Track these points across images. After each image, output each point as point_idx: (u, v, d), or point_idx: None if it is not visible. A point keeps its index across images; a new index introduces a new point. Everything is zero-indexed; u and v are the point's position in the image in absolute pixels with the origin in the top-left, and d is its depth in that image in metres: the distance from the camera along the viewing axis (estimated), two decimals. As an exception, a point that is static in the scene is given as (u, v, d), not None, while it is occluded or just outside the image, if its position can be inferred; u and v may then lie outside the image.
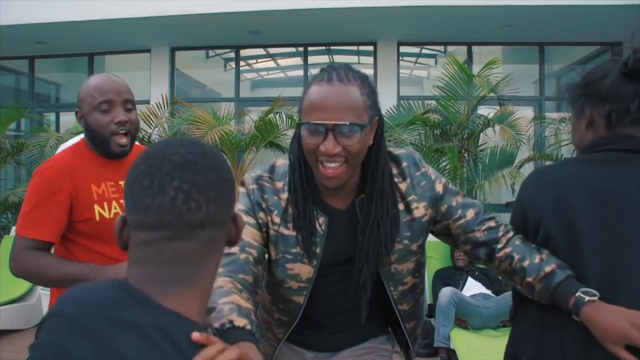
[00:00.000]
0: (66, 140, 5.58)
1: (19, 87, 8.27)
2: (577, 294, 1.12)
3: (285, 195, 1.30)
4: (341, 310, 1.41)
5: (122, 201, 1.67)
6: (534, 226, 1.26)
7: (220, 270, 1.09)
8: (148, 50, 7.40)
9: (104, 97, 1.60)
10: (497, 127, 5.43)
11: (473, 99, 5.47)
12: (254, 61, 7.93)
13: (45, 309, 4.78)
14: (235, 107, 6.95)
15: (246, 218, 1.27)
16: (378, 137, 1.25)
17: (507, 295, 4.19)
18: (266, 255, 1.33)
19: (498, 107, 5.67)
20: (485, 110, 5.99)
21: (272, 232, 1.30)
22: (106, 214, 1.66)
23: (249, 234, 1.25)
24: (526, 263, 1.22)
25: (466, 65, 5.90)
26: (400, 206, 1.31)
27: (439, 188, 1.34)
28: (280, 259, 1.31)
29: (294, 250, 1.29)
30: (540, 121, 5.86)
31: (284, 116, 5.65)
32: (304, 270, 1.30)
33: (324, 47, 7.38)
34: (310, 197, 1.28)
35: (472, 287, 4.46)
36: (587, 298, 1.10)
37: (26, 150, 6.04)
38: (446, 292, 4.06)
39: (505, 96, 5.54)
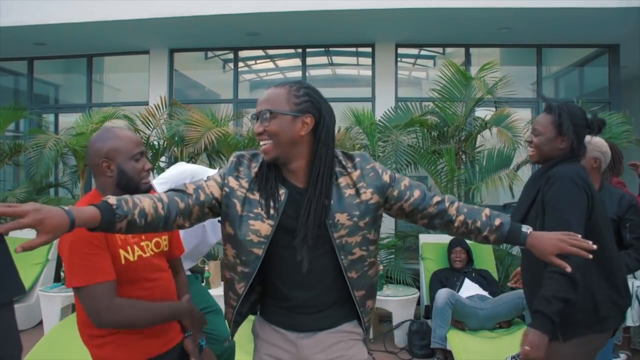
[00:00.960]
0: (63, 141, 5.64)
1: (17, 88, 8.28)
2: (522, 230, 1.64)
3: (255, 170, 1.65)
4: (302, 282, 1.64)
5: (142, 243, 1.89)
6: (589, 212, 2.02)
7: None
8: (147, 52, 7.41)
9: (139, 149, 1.88)
10: (494, 129, 5.45)
11: (470, 101, 5.50)
12: (253, 62, 7.95)
13: (44, 309, 4.80)
14: (233, 108, 6.98)
15: (216, 176, 1.65)
16: (319, 133, 1.59)
17: (504, 297, 4.22)
18: (212, 204, 1.62)
19: (495, 109, 5.69)
20: (482, 113, 6.02)
21: (239, 194, 1.62)
22: (130, 257, 1.83)
23: (210, 185, 1.62)
24: (478, 223, 1.66)
25: (464, 67, 5.92)
26: (352, 191, 1.63)
27: (385, 178, 1.66)
28: (244, 216, 1.60)
29: (256, 211, 1.60)
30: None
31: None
32: (263, 227, 1.59)
33: (322, 49, 7.40)
34: (274, 173, 1.63)
35: (469, 289, 4.49)
36: (528, 231, 1.64)
37: (24, 151, 6.06)
38: (443, 293, 4.08)
39: (503, 98, 5.57)
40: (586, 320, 2.04)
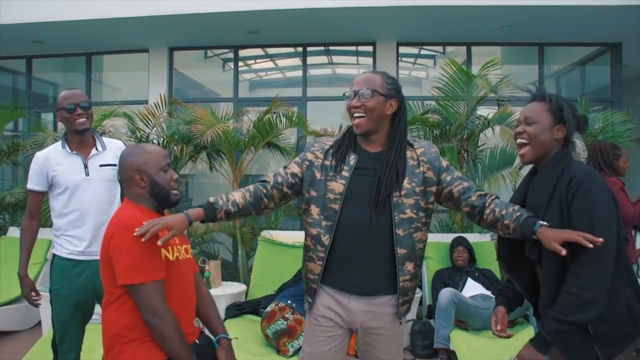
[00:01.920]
0: (55, 140, 5.55)
1: (16, 87, 8.23)
2: (537, 222, 1.82)
3: (330, 143, 2.10)
4: (362, 238, 1.98)
5: (176, 247, 2.05)
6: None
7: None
8: (146, 50, 7.36)
9: (167, 161, 2.10)
10: (496, 128, 5.41)
11: (472, 99, 5.45)
12: (253, 62, 7.90)
13: (42, 310, 4.74)
14: (234, 107, 6.93)
15: (294, 161, 2.15)
16: (400, 114, 2.05)
17: (507, 296, 4.16)
18: (291, 182, 2.10)
19: (497, 108, 5.65)
20: (483, 111, 5.97)
21: (317, 163, 2.06)
22: (170, 256, 2.00)
23: (289, 167, 2.13)
24: (504, 212, 1.92)
25: (465, 66, 5.87)
26: (414, 162, 2.02)
27: (443, 163, 2.06)
28: (322, 180, 2.03)
29: (331, 174, 2.02)
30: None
31: (282, 116, 5.61)
32: (337, 187, 2.00)
33: (322, 48, 7.35)
34: (348, 141, 2.06)
35: (472, 288, 4.45)
36: (541, 223, 1.81)
37: (22, 150, 6.01)
38: (446, 292, 4.04)
39: (505, 97, 5.52)
40: (627, 334, 1.89)
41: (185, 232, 2.13)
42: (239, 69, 7.55)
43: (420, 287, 4.99)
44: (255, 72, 8.07)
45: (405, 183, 1.97)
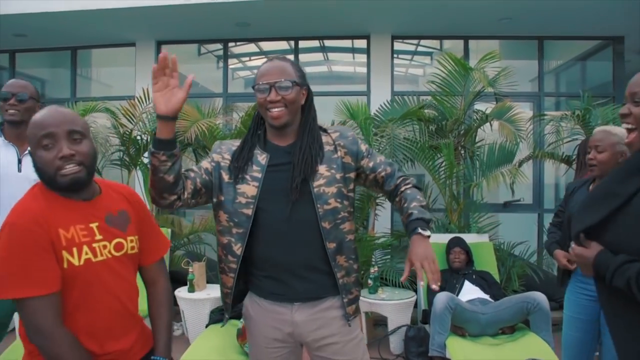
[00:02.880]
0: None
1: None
2: (417, 227, 1.77)
3: (237, 144, 1.94)
4: (286, 238, 1.82)
5: (95, 245, 1.61)
6: None
7: None
8: (133, 44, 7.13)
9: (45, 131, 1.55)
10: (494, 123, 5.19)
11: (470, 93, 5.23)
12: (247, 59, 7.67)
13: (16, 315, 4.51)
14: (223, 102, 6.70)
15: (206, 159, 1.94)
16: (310, 100, 1.93)
17: (507, 301, 3.95)
18: (205, 178, 1.87)
19: (495, 103, 5.42)
20: (481, 106, 5.75)
21: (224, 164, 1.89)
22: (75, 261, 1.57)
23: (202, 165, 1.91)
24: (405, 205, 1.86)
25: (463, 59, 5.64)
26: (331, 147, 1.90)
27: (362, 147, 1.94)
28: (230, 183, 1.86)
29: (240, 176, 1.85)
30: (540, 118, 5.61)
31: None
32: (249, 189, 1.83)
33: (317, 44, 7.12)
34: (252, 142, 1.91)
35: (469, 292, 4.22)
36: (420, 231, 1.76)
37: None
38: (442, 297, 3.79)
39: (503, 91, 5.30)
40: None
41: (130, 219, 1.76)
42: (234, 66, 7.34)
43: (415, 290, 4.77)
44: (250, 70, 7.85)
45: (324, 170, 1.84)
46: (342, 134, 1.93)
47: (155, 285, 1.87)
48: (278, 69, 1.82)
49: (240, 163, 1.85)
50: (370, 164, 1.92)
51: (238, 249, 1.84)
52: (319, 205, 1.80)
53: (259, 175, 1.83)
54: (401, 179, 1.93)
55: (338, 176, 1.85)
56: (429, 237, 1.78)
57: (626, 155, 2.63)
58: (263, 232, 1.83)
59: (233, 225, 1.83)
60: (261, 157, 1.86)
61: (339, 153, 1.88)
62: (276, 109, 1.80)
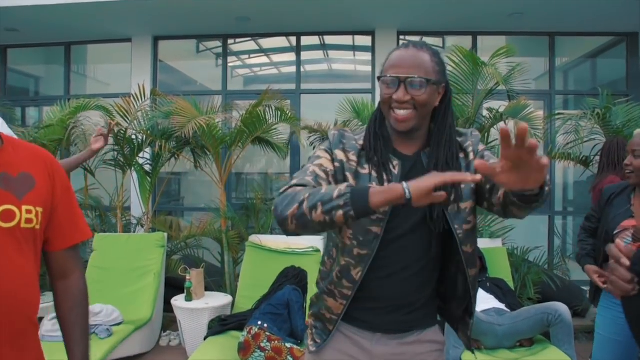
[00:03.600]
0: (30, 134, 5.10)
1: (-8, 79, 7.74)
2: None
3: (361, 142, 1.55)
4: (409, 264, 1.51)
5: None
6: None
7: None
8: (129, 40, 6.88)
9: None
10: (508, 122, 4.94)
11: (482, 91, 4.99)
12: (247, 57, 7.43)
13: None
14: (223, 100, 6.46)
15: (323, 155, 1.54)
16: (447, 101, 1.54)
17: (525, 312, 3.71)
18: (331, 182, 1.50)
19: (505, 102, 5.18)
20: (491, 105, 5.52)
21: (350, 166, 1.51)
22: None
23: (322, 164, 1.50)
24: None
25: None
26: (462, 153, 1.55)
27: (480, 147, 1.58)
28: None
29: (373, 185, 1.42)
30: (556, 117, 5.37)
31: (273, 109, 5.12)
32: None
33: (317, 40, 6.89)
34: (382, 143, 1.53)
35: (484, 301, 3.97)
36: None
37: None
38: (457, 308, 3.55)
39: (514, 89, 5.06)
40: None
41: (35, 185, 1.36)
42: (233, 64, 7.14)
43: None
44: (249, 68, 7.62)
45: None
46: (469, 137, 1.59)
47: (67, 278, 1.46)
48: (414, 61, 1.46)
49: (373, 170, 1.50)
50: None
51: (357, 273, 1.51)
52: (457, 226, 1.48)
53: None
54: None
55: (470, 187, 1.52)
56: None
57: None
58: (385, 259, 1.51)
59: (357, 245, 1.50)
60: (394, 164, 1.52)
61: (470, 157, 1.54)
62: (403, 111, 1.46)
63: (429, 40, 6.97)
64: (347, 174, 1.50)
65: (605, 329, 2.59)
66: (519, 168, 1.13)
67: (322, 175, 1.48)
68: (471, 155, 1.54)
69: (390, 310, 1.55)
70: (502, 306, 3.91)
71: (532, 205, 1.29)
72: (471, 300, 1.57)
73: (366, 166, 1.51)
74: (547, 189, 1.26)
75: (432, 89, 1.46)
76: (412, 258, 1.51)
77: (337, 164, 1.52)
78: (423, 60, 1.46)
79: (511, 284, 4.34)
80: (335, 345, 1.61)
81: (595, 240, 2.74)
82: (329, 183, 1.48)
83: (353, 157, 1.52)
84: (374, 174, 1.49)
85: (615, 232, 2.49)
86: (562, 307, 3.50)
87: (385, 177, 1.48)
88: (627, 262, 1.53)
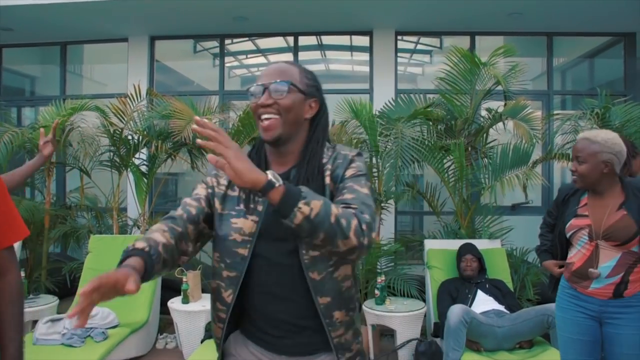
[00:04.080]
0: (24, 135, 5.05)
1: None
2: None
3: None
4: (278, 291, 1.48)
5: None
6: None
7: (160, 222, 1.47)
8: (125, 39, 6.84)
9: None
10: (507, 123, 4.92)
11: (480, 91, 4.96)
12: (245, 57, 7.40)
13: None
14: (219, 100, 6.42)
15: (200, 185, 1.60)
16: (319, 118, 1.56)
17: (524, 313, 3.69)
18: (206, 211, 1.53)
19: (503, 102, 5.16)
20: (489, 105, 5.50)
21: (218, 191, 1.54)
22: None
23: (198, 193, 1.57)
24: None
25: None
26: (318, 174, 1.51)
27: (347, 172, 1.48)
28: (225, 215, 1.51)
29: (237, 208, 1.50)
30: (555, 117, 5.35)
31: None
32: (247, 225, 1.47)
33: (315, 40, 6.86)
34: (257, 160, 1.54)
35: (483, 302, 3.95)
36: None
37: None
38: (456, 310, 3.53)
39: (513, 89, 5.04)
40: None
41: None
42: (230, 64, 7.11)
43: (424, 301, 4.50)
44: (246, 68, 7.59)
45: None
46: (339, 154, 1.54)
47: (4, 277, 1.49)
48: (279, 70, 1.51)
49: (241, 193, 1.50)
50: (339, 195, 1.45)
51: (229, 296, 1.50)
52: (304, 252, 1.43)
53: (261, 209, 1.47)
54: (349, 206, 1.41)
55: None
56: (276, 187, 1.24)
57: (610, 164, 2.39)
58: (258, 279, 1.49)
59: (225, 267, 1.50)
60: None
61: (326, 180, 1.49)
62: (267, 115, 1.46)
63: (426, 40, 6.97)
64: (215, 198, 1.54)
65: (567, 329, 2.60)
66: None
67: (193, 203, 1.53)
68: (327, 179, 1.48)
69: (277, 333, 1.52)
70: (501, 308, 3.89)
71: (305, 239, 1.30)
72: (328, 335, 1.49)
73: (236, 188, 1.51)
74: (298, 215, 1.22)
75: (297, 96, 1.48)
76: (279, 280, 1.48)
77: (209, 190, 1.56)
78: (289, 70, 1.51)
79: (510, 285, 4.31)
80: (239, 356, 1.60)
81: (554, 235, 2.81)
82: (202, 206, 1.52)
83: (223, 182, 1.54)
84: (242, 195, 1.49)
85: (569, 233, 2.57)
86: (561, 309, 3.47)
87: (252, 196, 1.48)
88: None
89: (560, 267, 2.70)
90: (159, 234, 1.39)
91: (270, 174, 1.22)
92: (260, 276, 1.49)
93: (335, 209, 1.27)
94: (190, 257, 1.53)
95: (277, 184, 1.21)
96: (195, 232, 1.50)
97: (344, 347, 1.51)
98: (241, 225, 1.47)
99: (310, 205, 1.22)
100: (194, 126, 1.21)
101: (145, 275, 1.28)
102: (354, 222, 1.29)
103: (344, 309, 1.49)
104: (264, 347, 1.55)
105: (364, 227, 1.30)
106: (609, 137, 2.41)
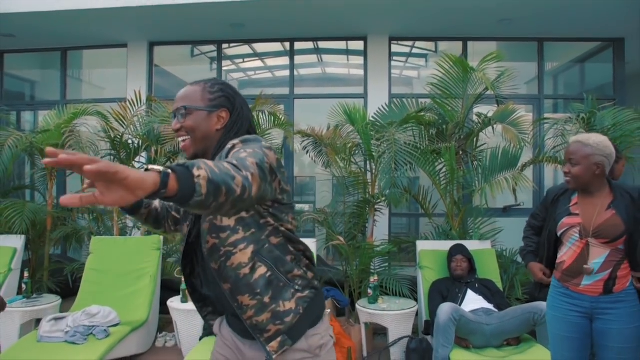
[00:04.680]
0: (28, 139, 5.17)
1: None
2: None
3: None
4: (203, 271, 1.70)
5: None
6: None
7: None
8: (125, 45, 6.97)
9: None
10: (497, 127, 5.06)
11: (471, 96, 5.10)
12: (241, 61, 7.52)
13: (1, 326, 4.33)
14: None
15: None
16: (232, 124, 1.66)
17: (512, 311, 3.81)
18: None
19: (495, 106, 5.29)
20: (480, 110, 5.63)
21: None
22: None
23: None
24: None
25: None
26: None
27: (234, 143, 1.52)
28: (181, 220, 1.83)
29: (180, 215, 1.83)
30: (542, 122, 5.49)
31: (267, 114, 5.21)
32: (184, 229, 1.72)
33: (311, 45, 6.98)
34: None
35: (472, 301, 4.08)
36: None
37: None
38: (445, 308, 3.65)
39: (504, 94, 5.18)
40: None
41: None
42: (227, 68, 7.22)
43: (416, 299, 4.63)
44: (243, 72, 7.70)
45: None
46: (227, 146, 1.56)
47: None
48: (181, 95, 1.68)
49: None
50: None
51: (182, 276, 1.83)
52: (203, 245, 1.57)
53: (191, 215, 1.70)
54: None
55: None
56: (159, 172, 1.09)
57: (602, 166, 2.52)
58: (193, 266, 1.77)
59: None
60: None
61: None
62: (181, 138, 1.66)
63: (422, 44, 7.09)
64: None
65: (557, 327, 2.70)
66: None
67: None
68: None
69: (229, 316, 1.73)
70: (490, 306, 4.01)
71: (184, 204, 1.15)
72: (240, 317, 1.59)
73: None
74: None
75: (198, 115, 1.63)
76: (209, 272, 1.66)
77: None
78: (190, 93, 1.66)
79: (500, 285, 4.43)
80: (223, 337, 1.79)
81: (539, 238, 2.90)
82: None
83: None
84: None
85: (560, 232, 2.66)
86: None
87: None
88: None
89: (544, 273, 2.80)
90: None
91: (153, 167, 1.08)
92: (191, 261, 1.73)
93: (214, 162, 1.21)
94: (166, 231, 1.84)
95: (167, 171, 1.07)
96: (172, 220, 1.83)
97: (259, 329, 1.57)
98: (184, 229, 1.72)
99: (202, 167, 1.13)
100: (46, 160, 0.96)
101: (135, 206, 1.69)
102: (233, 164, 1.25)
103: (247, 293, 1.55)
104: (233, 328, 1.74)
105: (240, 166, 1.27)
106: (600, 141, 2.53)
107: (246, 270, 1.55)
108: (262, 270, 1.56)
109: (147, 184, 1.02)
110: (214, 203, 1.16)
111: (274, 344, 1.57)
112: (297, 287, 1.61)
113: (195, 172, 1.11)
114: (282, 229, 1.59)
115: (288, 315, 1.59)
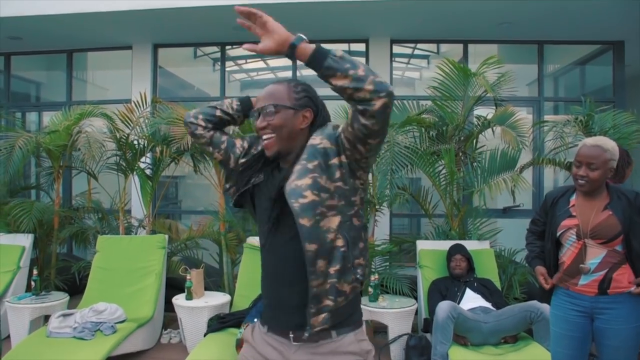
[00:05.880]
0: (36, 139, 5.26)
1: (-5, 86, 7.91)
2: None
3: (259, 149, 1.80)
4: (284, 261, 1.67)
5: None
6: None
7: None
8: (129, 47, 7.06)
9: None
10: (496, 129, 5.13)
11: (470, 98, 5.18)
12: (244, 62, 7.60)
13: (11, 322, 4.43)
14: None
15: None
16: (317, 123, 1.72)
17: (509, 310, 3.90)
18: (235, 152, 1.85)
19: (494, 108, 5.37)
20: (480, 112, 5.71)
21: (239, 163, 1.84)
22: None
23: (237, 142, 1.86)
24: None
25: (462, 65, 5.58)
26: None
27: (338, 130, 1.65)
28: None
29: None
30: (541, 124, 5.56)
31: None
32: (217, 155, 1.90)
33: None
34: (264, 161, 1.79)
35: (471, 300, 4.17)
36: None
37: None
38: (444, 306, 3.74)
39: (503, 96, 5.26)
40: None
41: None
42: (230, 69, 7.30)
43: (416, 298, 4.71)
44: (246, 72, 7.79)
45: (295, 165, 1.63)
46: (327, 128, 1.70)
47: None
48: (268, 94, 1.71)
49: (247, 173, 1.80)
50: (342, 137, 1.60)
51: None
52: (293, 201, 1.57)
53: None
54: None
55: (310, 165, 1.60)
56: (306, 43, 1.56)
57: (613, 170, 2.59)
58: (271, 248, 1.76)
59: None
60: (260, 176, 1.79)
61: (310, 141, 1.66)
62: (265, 136, 1.69)
63: (424, 45, 7.16)
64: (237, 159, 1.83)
65: (559, 325, 2.77)
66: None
67: (233, 140, 1.86)
68: (314, 140, 1.65)
69: (280, 307, 1.70)
70: (488, 305, 4.09)
71: (351, 94, 1.48)
72: (309, 284, 1.57)
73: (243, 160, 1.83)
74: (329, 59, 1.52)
75: (286, 114, 1.68)
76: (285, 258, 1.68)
77: (240, 149, 1.84)
78: (277, 91, 1.71)
79: (498, 284, 4.51)
80: (255, 345, 1.79)
81: (542, 242, 2.93)
82: (234, 148, 1.84)
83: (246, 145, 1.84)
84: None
85: (559, 233, 2.72)
86: (543, 306, 3.66)
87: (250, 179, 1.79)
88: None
89: (547, 280, 2.81)
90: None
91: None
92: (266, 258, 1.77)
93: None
94: (199, 138, 1.86)
95: (306, 40, 1.53)
96: (224, 144, 1.84)
97: (317, 299, 1.58)
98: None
99: (338, 52, 1.51)
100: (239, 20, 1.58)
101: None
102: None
103: (326, 260, 1.57)
104: (274, 330, 1.71)
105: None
106: (613, 145, 2.60)
107: (332, 236, 1.59)
108: (340, 242, 1.59)
109: (281, 30, 1.54)
110: (352, 70, 1.47)
111: (319, 318, 1.59)
112: (357, 275, 1.65)
113: (333, 51, 1.52)
114: (362, 216, 1.70)
115: (341, 296, 1.62)
